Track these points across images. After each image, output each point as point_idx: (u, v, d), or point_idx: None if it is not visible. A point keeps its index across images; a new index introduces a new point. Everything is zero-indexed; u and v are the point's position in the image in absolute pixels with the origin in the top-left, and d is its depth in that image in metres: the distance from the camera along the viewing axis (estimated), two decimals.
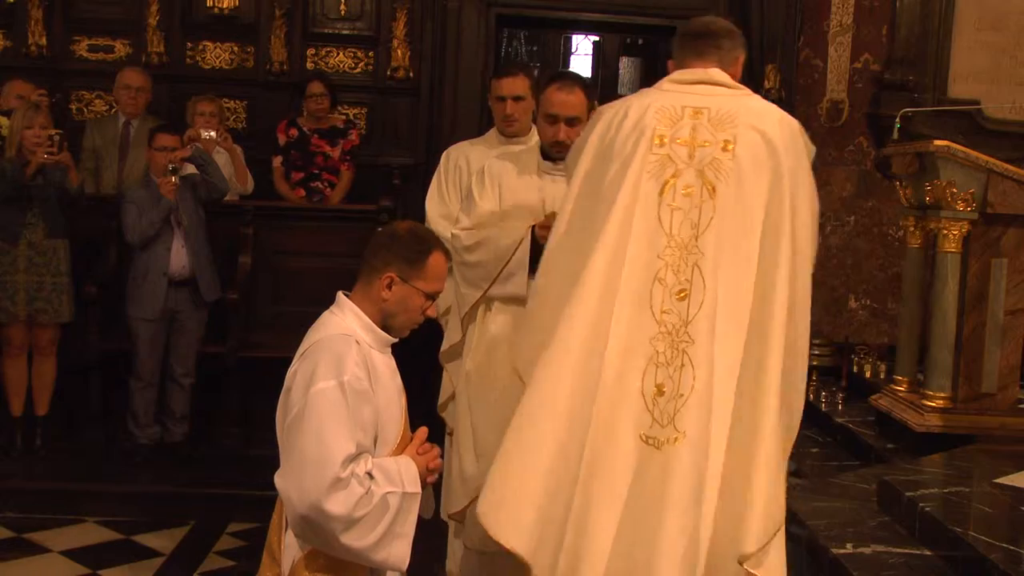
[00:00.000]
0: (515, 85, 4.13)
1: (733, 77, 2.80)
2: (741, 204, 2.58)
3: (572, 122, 3.42)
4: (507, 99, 4.13)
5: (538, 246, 3.33)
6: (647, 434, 2.54)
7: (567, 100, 3.43)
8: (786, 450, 2.63)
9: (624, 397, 2.56)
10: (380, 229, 2.53)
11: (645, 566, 2.48)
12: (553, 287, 2.76)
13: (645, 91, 2.86)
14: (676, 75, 2.80)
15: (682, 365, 2.54)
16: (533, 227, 3.40)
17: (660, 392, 2.55)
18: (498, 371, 3.44)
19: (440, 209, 4.25)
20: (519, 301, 3.37)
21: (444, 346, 3.77)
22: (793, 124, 2.72)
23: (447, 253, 2.52)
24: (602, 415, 2.55)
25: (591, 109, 3.44)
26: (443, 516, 3.61)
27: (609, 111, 2.80)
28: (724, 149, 2.62)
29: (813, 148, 2.75)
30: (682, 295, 2.57)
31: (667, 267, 2.59)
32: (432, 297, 2.46)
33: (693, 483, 2.48)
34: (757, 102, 2.77)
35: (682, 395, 2.53)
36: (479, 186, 3.61)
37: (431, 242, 2.47)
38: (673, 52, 2.87)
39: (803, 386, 2.66)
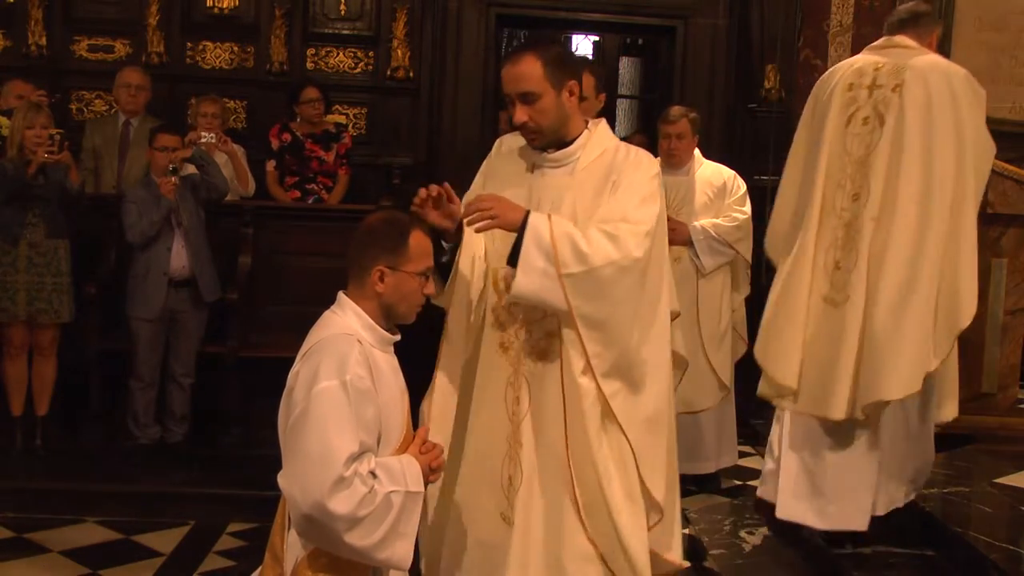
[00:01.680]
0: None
1: (929, 46, 3.63)
2: (900, 131, 3.45)
3: (527, 99, 2.74)
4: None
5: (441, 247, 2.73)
6: (827, 295, 3.52)
7: (511, 73, 2.77)
8: (947, 331, 3.40)
9: (816, 269, 3.56)
10: (357, 227, 2.51)
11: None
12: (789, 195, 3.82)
13: (851, 58, 3.80)
14: (873, 44, 3.72)
15: (853, 248, 3.49)
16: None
17: (837, 267, 3.52)
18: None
19: None
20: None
21: None
22: (954, 75, 3.49)
23: (425, 229, 2.48)
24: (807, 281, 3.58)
25: (559, 79, 2.75)
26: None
27: (823, 77, 3.79)
28: (893, 90, 3.51)
29: (982, 92, 3.54)
30: (855, 197, 3.53)
31: (847, 177, 3.56)
32: (425, 275, 2.45)
33: (854, 333, 3.41)
34: (927, 57, 3.56)
35: (851, 269, 3.48)
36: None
37: (407, 224, 2.46)
38: (884, 29, 3.72)
39: (966, 275, 3.42)
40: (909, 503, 3.71)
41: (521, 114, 2.74)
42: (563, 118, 2.79)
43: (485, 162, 3.07)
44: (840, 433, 3.51)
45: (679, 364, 3.49)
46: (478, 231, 2.67)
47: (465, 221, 2.68)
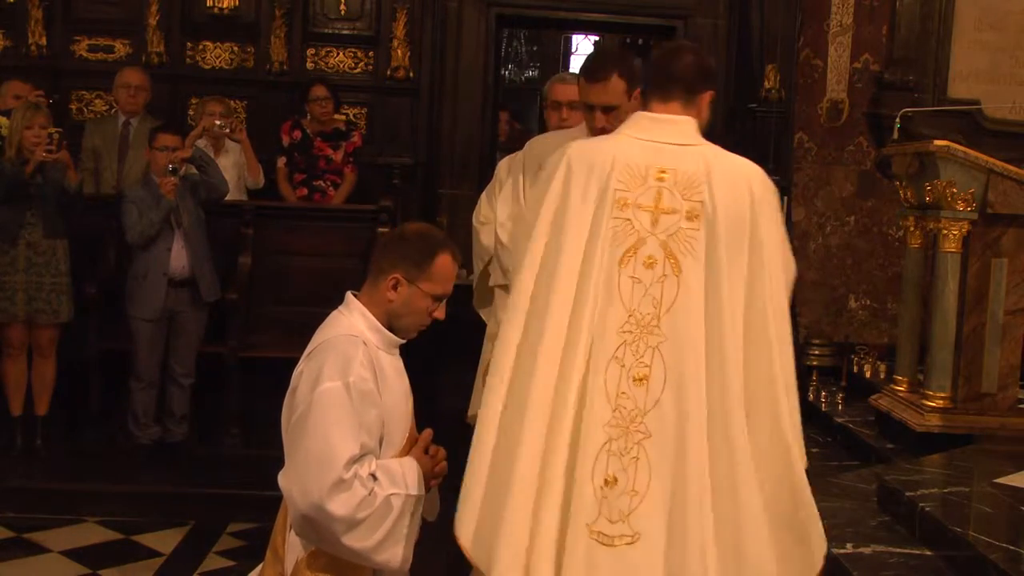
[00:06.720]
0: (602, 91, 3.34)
1: None
2: None
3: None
4: (595, 107, 3.33)
5: None
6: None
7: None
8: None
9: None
10: (390, 229, 2.51)
11: None
12: None
13: None
14: None
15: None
16: None
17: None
18: None
19: (515, 210, 3.54)
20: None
21: None
22: None
23: (455, 255, 2.45)
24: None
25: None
26: None
27: None
28: None
29: None
30: None
31: None
32: (439, 299, 2.42)
33: None
34: None
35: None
36: (506, 192, 3.46)
37: (439, 243, 2.42)
38: None
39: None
40: (910, 502, 3.71)
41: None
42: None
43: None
44: None
45: None
46: None
47: None
